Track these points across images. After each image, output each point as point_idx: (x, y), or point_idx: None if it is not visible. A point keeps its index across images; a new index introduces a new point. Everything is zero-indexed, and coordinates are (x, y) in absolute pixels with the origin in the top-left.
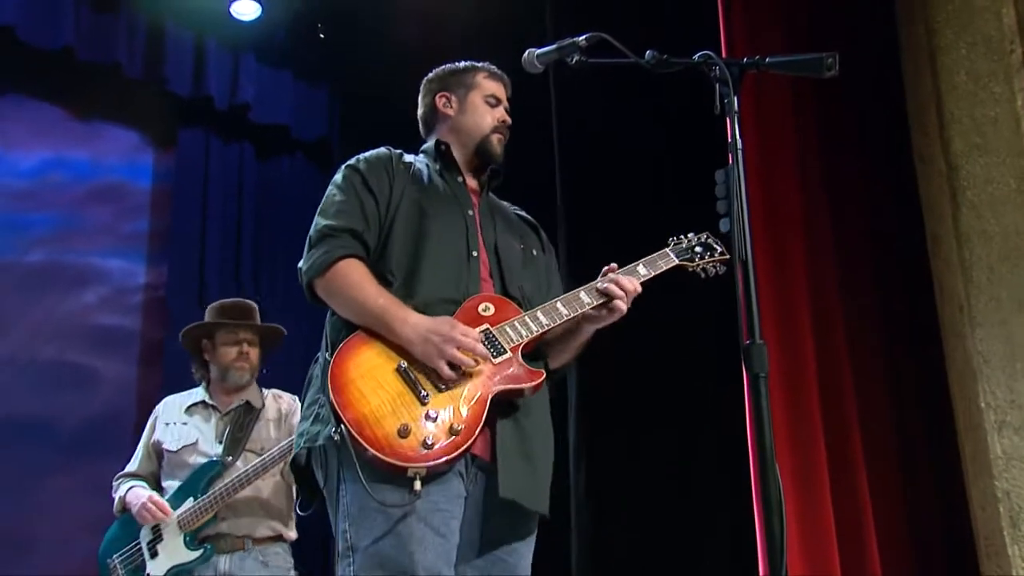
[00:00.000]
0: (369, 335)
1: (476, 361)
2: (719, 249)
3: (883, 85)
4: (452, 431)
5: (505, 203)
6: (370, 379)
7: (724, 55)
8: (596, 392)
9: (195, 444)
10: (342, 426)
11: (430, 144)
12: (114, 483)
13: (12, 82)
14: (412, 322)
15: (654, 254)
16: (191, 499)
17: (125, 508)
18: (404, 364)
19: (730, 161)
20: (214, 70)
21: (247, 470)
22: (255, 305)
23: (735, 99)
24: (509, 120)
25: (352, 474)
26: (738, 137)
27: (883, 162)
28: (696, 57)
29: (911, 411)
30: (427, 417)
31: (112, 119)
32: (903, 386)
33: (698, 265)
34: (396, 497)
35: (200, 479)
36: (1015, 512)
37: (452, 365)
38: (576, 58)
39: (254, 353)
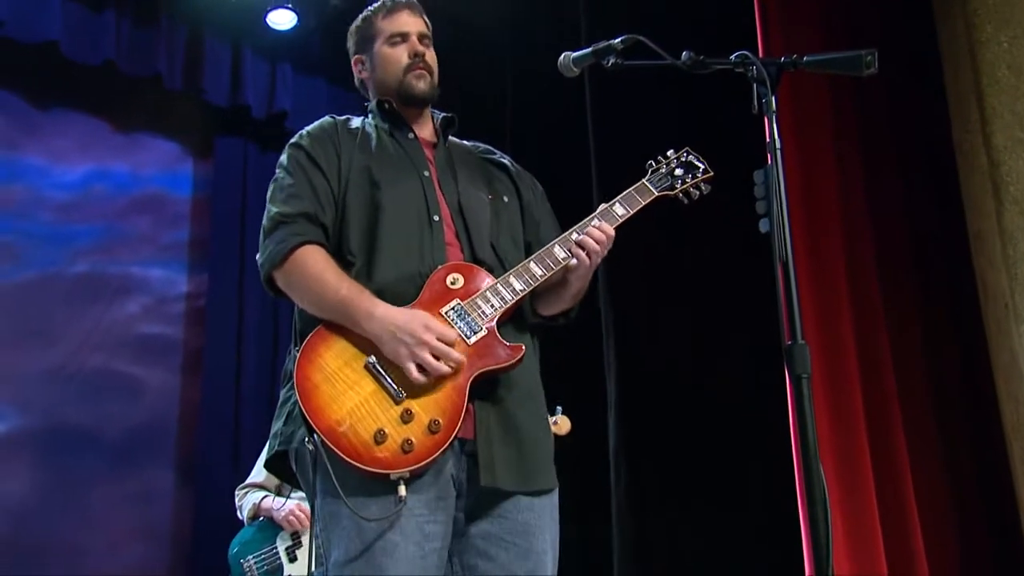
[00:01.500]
0: (333, 329)
1: (451, 367)
2: (702, 167)
3: (923, 81)
4: (431, 429)
5: (468, 144)
6: (339, 380)
7: (761, 55)
8: (635, 396)
9: None
10: (315, 435)
11: (373, 104)
12: (238, 492)
13: (57, 97)
14: (379, 315)
15: (632, 188)
16: None
17: (257, 515)
18: (373, 359)
19: (769, 161)
20: (251, 79)
21: None
22: None
23: (773, 99)
24: (421, 49)
25: (327, 485)
26: (777, 137)
27: (924, 159)
28: (733, 57)
29: (957, 412)
30: (403, 417)
31: (152, 130)
32: (948, 387)
33: (680, 190)
34: (380, 508)
35: None
36: None
37: (422, 368)
38: (612, 60)
39: None
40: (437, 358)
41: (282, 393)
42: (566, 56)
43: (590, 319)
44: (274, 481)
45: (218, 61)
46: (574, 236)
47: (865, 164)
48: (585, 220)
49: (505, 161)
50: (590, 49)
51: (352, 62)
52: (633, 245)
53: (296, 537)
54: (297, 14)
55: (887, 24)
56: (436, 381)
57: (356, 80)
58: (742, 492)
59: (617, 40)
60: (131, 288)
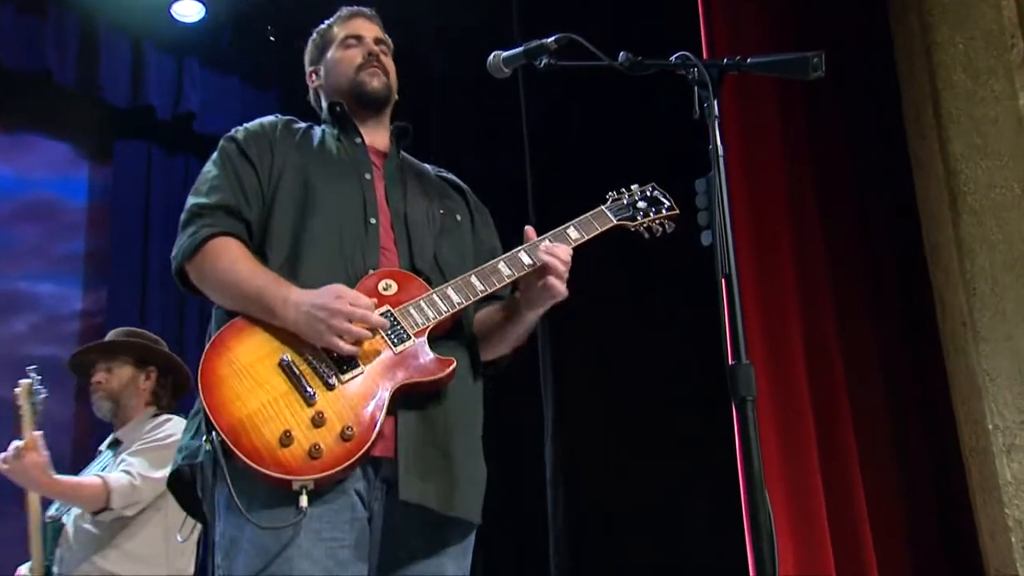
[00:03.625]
0: (249, 322)
1: (372, 332)
2: (667, 203)
3: (876, 84)
4: (344, 436)
5: (427, 165)
6: (247, 377)
7: (705, 56)
8: (573, 417)
9: None
10: (214, 434)
11: (324, 111)
12: None
13: None
14: (293, 300)
15: (588, 213)
16: None
17: None
18: (288, 357)
19: (712, 169)
20: (154, 77)
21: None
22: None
23: (715, 103)
24: (376, 49)
25: (225, 496)
26: (719, 143)
27: (877, 167)
28: (673, 59)
29: (913, 436)
30: (315, 421)
31: (41, 130)
32: (904, 407)
33: (642, 224)
34: (277, 516)
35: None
36: None
37: (346, 339)
38: (545, 61)
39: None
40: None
41: (196, 404)
42: (496, 56)
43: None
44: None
45: (116, 56)
46: (522, 255)
47: (817, 173)
48: (535, 240)
49: (462, 185)
50: (521, 48)
51: (307, 76)
52: (576, 260)
53: None
54: (205, 5)
55: (840, 23)
56: (356, 384)
57: (311, 94)
58: (688, 520)
59: (550, 39)
60: (18, 305)
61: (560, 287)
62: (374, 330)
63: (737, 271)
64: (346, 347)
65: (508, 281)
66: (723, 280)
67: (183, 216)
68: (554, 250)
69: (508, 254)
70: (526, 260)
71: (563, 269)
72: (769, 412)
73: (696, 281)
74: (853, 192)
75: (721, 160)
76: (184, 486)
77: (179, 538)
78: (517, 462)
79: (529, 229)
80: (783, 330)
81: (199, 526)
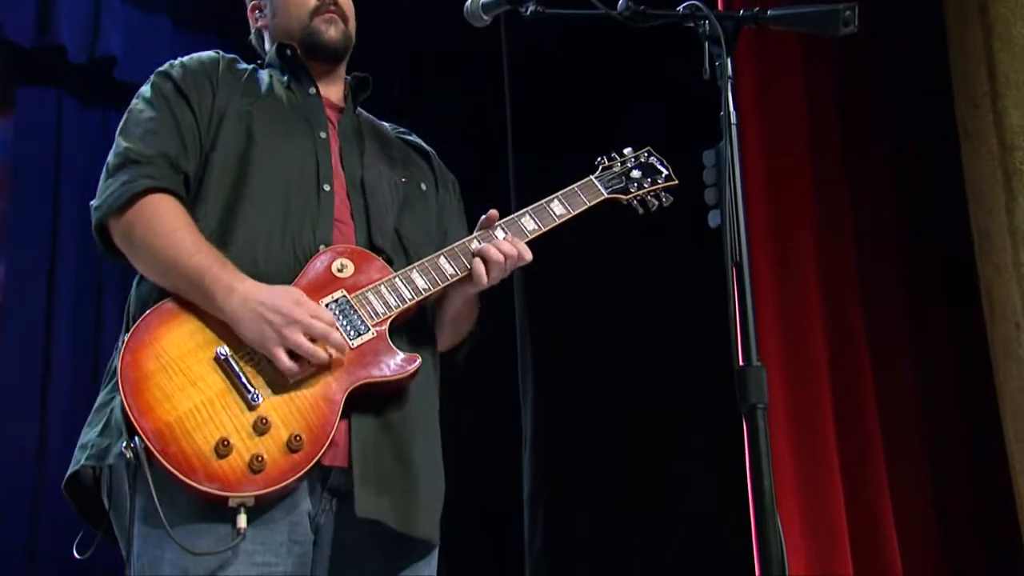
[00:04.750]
0: (179, 306)
1: (329, 354)
2: (664, 172)
3: (919, 42)
4: (291, 446)
5: (386, 124)
6: (178, 372)
7: (719, 6)
8: (557, 430)
9: None
10: (136, 439)
11: (271, 52)
12: None
13: None
14: (242, 292)
15: (575, 184)
16: None
17: None
18: (226, 351)
19: (722, 139)
20: (66, 14)
21: None
22: None
23: (729, 61)
24: None
25: (147, 509)
26: (732, 109)
27: (919, 141)
28: (681, 9)
29: (953, 452)
30: (257, 427)
31: None
32: (943, 422)
33: (635, 196)
34: (209, 541)
35: None
36: None
37: (294, 355)
38: (531, 8)
39: None
40: (313, 341)
41: (102, 395)
42: (473, 1)
43: (504, 334)
44: None
45: None
46: (474, 245)
47: (847, 146)
48: (513, 216)
49: (427, 148)
50: None
51: (248, 10)
52: (557, 242)
53: None
54: None
55: None
56: (305, 383)
57: (251, 32)
58: (687, 544)
59: None
60: None
61: (480, 274)
62: (330, 353)
63: (750, 258)
64: (288, 364)
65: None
66: (733, 268)
67: (112, 160)
68: (500, 244)
69: (483, 232)
70: (476, 248)
71: (501, 260)
72: (784, 423)
73: (701, 269)
74: (889, 170)
75: (734, 129)
76: (83, 490)
77: None
78: (489, 477)
79: (493, 213)
80: (803, 328)
81: None
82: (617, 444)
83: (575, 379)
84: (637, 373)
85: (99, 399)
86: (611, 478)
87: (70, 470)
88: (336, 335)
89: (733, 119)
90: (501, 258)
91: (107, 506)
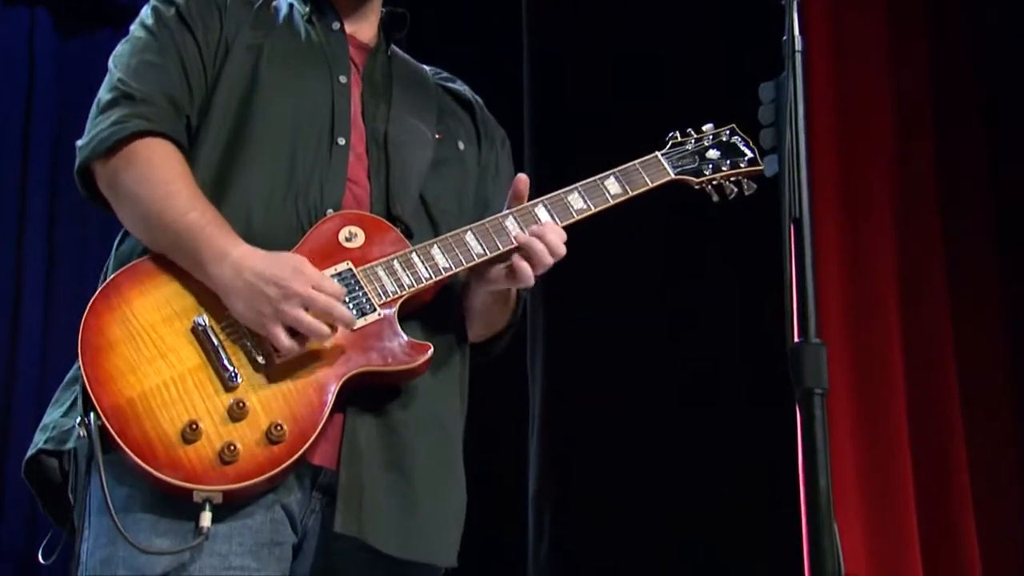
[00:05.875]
0: (157, 266)
1: (332, 329)
2: (748, 153)
3: None
4: (270, 436)
5: (427, 67)
6: (147, 342)
7: None
8: (567, 412)
9: None
10: (92, 416)
11: None
12: None
13: None
14: (235, 258)
15: (637, 161)
16: None
17: None
18: (205, 320)
19: (784, 69)
20: None
21: None
22: None
23: None
24: None
25: (99, 500)
26: (797, 34)
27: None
28: None
29: None
30: (232, 411)
31: None
32: None
33: (709, 179)
34: (170, 539)
35: None
36: None
37: (293, 332)
38: None
39: None
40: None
41: (73, 369)
42: None
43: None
44: None
45: None
46: (510, 224)
47: (936, 81)
48: (559, 193)
49: (470, 96)
50: None
51: None
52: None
53: None
54: None
55: None
56: (294, 365)
57: None
58: (724, 555)
59: None
60: None
61: (528, 275)
62: (335, 328)
63: (812, 214)
64: (286, 342)
65: (504, 247)
66: (791, 225)
67: (105, 94)
68: (546, 233)
69: (520, 207)
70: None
71: (547, 259)
72: (846, 412)
73: (751, 226)
74: (984, 110)
75: (798, 58)
76: (45, 478)
77: None
78: (488, 471)
79: (522, 179)
80: (873, 300)
81: None
82: (638, 436)
83: (590, 359)
84: (664, 353)
85: (69, 374)
86: (630, 475)
87: (28, 454)
88: (341, 308)
89: (798, 45)
90: (547, 256)
91: (72, 497)
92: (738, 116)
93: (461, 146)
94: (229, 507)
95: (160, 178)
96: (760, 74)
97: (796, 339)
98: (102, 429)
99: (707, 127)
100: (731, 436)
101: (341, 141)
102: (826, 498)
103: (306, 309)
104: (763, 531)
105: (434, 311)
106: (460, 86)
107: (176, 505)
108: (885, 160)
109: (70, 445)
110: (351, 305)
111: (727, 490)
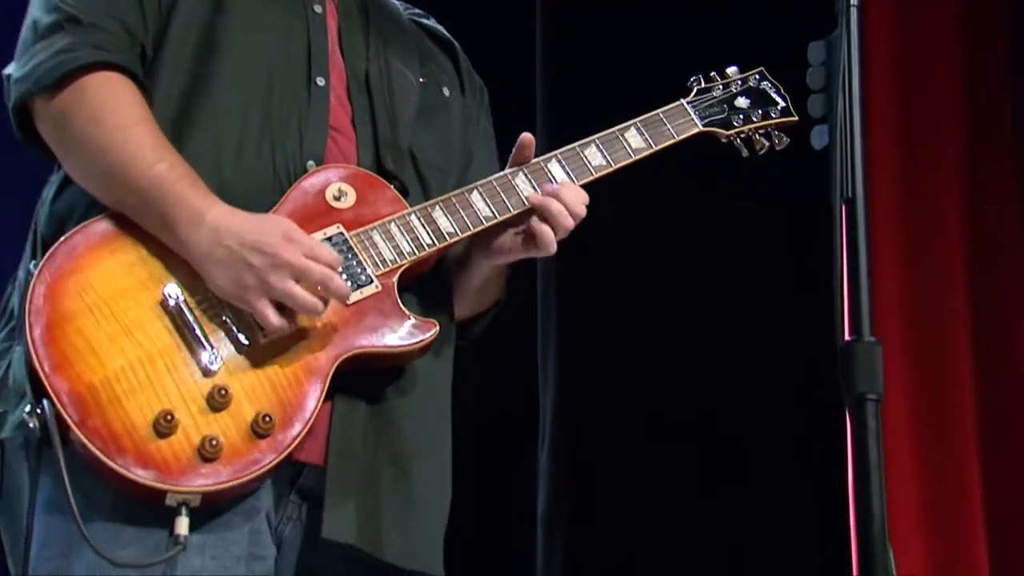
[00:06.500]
0: (121, 227)
1: (325, 303)
2: (780, 103)
3: None
4: (256, 429)
5: (397, 1)
6: (109, 316)
7: None
8: (585, 420)
9: None
10: (45, 403)
11: None
12: None
13: None
14: (213, 221)
15: (660, 110)
16: None
17: None
18: (177, 292)
19: (838, 27)
20: None
21: None
22: None
23: None
24: None
25: (53, 501)
26: None
27: None
28: None
29: None
30: (212, 400)
31: None
32: None
33: (739, 131)
34: (138, 549)
35: None
36: None
37: (282, 307)
38: None
39: None
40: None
41: None
42: None
43: (520, 295)
44: None
45: None
46: (520, 181)
47: (1016, 39)
48: (573, 147)
49: (449, 36)
50: None
51: None
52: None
53: None
54: None
55: None
56: (281, 346)
57: None
58: None
59: None
60: None
61: (550, 240)
62: (327, 302)
63: (866, 193)
64: (275, 320)
65: (518, 208)
66: (843, 207)
67: (41, 15)
68: (563, 192)
69: (531, 163)
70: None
71: (567, 222)
72: (905, 422)
73: (797, 206)
74: None
75: (854, 13)
76: None
77: None
78: (493, 485)
79: (527, 137)
80: (937, 292)
81: None
82: (663, 448)
83: (611, 359)
84: (693, 355)
85: None
86: (653, 491)
87: None
88: (339, 281)
89: (854, 0)
90: (567, 218)
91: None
92: (782, 80)
93: (446, 92)
94: (206, 512)
95: (119, 122)
96: (809, 32)
97: (847, 337)
98: (59, 419)
99: (732, 70)
100: (768, 448)
101: (320, 81)
102: (880, 524)
103: (297, 281)
104: (802, 559)
105: (427, 283)
106: (436, 24)
107: (143, 510)
108: (954, 132)
109: (4, 433)
110: (344, 276)
111: (763, 508)
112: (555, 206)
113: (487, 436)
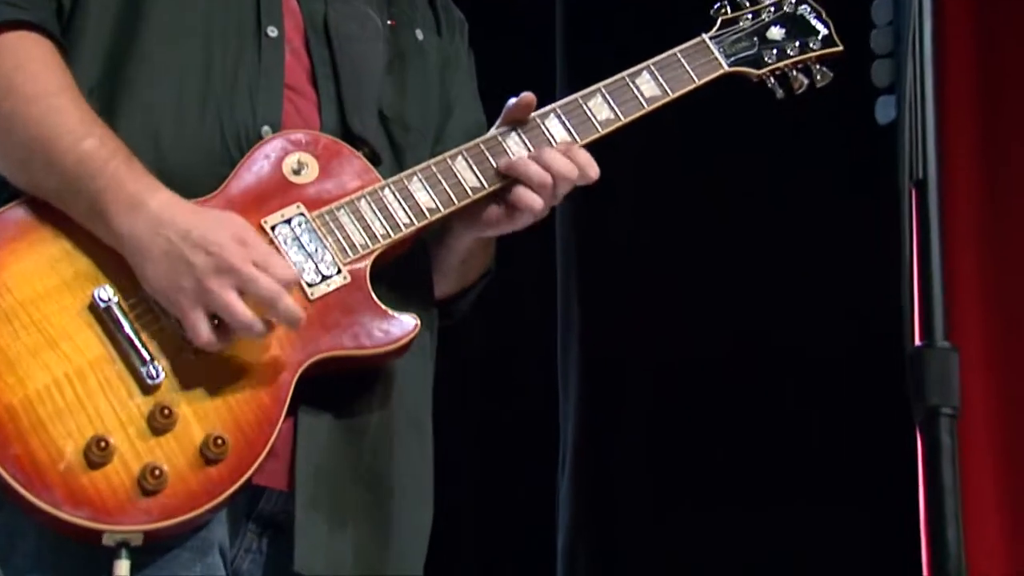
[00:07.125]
0: (39, 217)
1: (271, 324)
2: (822, 31)
3: None
4: (206, 455)
5: None
6: (29, 325)
7: None
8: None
9: None
10: None
11: None
12: None
13: None
14: (154, 208)
15: (678, 48)
16: None
17: None
18: (109, 294)
19: None
20: None
21: None
22: None
23: None
24: None
25: None
26: None
27: None
28: None
29: None
30: (154, 422)
31: None
32: None
33: (773, 68)
34: None
35: None
36: None
37: (220, 323)
38: None
39: None
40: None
41: None
42: None
43: (535, 278)
44: None
45: None
46: (512, 142)
47: None
48: (576, 97)
49: None
50: None
51: None
52: (619, 165)
53: None
54: None
55: None
56: (232, 355)
57: None
58: None
59: None
60: None
61: (538, 209)
62: (272, 325)
63: (940, 175)
64: (205, 335)
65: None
66: (912, 190)
67: None
68: (552, 158)
69: (526, 122)
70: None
71: (546, 182)
72: (985, 439)
73: (858, 188)
74: None
75: None
76: None
77: None
78: (506, 495)
79: (527, 97)
80: (1022, 291)
81: None
82: (699, 453)
83: (641, 352)
84: (736, 364)
85: None
86: (688, 502)
87: None
88: (288, 301)
89: None
90: (548, 180)
91: None
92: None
93: (420, 35)
94: (150, 551)
95: (38, 89)
96: None
97: (918, 342)
98: None
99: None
100: (824, 467)
101: (272, 32)
102: (956, 558)
103: (241, 293)
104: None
105: (401, 264)
106: None
107: (75, 552)
108: None
109: None
110: (307, 265)
111: (812, 535)
112: (534, 169)
113: (497, 440)
